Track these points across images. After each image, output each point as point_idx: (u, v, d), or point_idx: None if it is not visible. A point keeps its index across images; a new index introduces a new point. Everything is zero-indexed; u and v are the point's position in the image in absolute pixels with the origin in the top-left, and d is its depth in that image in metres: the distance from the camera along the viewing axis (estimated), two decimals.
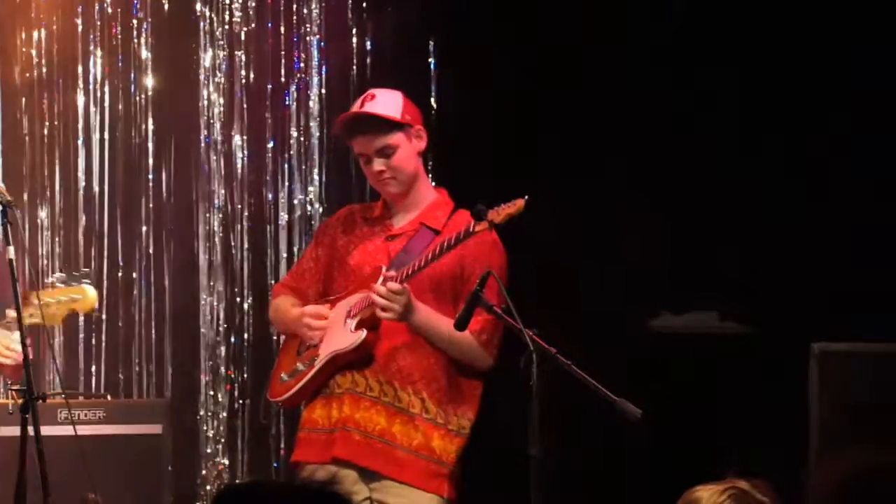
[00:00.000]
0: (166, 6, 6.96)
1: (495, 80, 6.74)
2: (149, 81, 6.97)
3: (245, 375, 6.95)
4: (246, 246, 7.02)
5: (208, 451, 6.92)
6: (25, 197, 6.80)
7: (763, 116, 6.65)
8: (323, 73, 7.04)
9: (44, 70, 6.87)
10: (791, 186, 6.58)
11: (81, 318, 6.80)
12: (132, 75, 6.96)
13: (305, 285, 5.15)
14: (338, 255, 5.09)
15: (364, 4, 7.01)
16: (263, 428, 6.82)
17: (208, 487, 6.80)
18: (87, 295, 4.79)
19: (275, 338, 6.83)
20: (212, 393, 6.94)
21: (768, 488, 3.24)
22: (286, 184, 7.02)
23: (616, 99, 6.65)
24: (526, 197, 4.67)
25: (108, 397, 6.44)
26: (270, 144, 7.03)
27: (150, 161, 6.97)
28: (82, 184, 6.89)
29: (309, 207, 7.01)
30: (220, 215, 6.99)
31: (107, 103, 6.94)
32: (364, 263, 5.01)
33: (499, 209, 4.69)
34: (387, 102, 5.01)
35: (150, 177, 6.97)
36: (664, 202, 6.70)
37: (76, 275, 4.83)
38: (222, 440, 6.92)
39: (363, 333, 4.88)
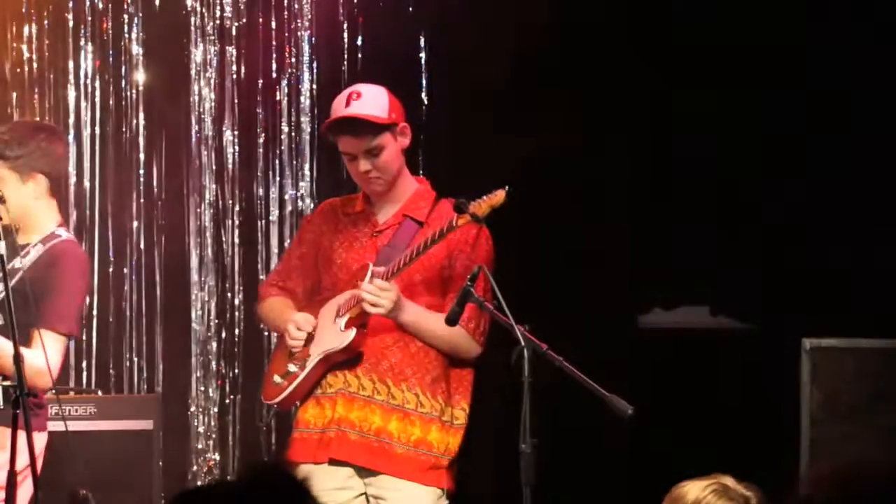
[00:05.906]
0: (157, 1, 6.96)
1: (487, 75, 6.73)
2: (140, 76, 6.96)
3: (236, 371, 6.95)
4: (237, 241, 7.01)
5: (199, 446, 6.91)
6: None
7: (761, 114, 6.65)
8: (314, 68, 7.03)
9: (35, 65, 6.87)
10: (783, 182, 6.59)
11: None
12: (123, 70, 6.95)
13: (293, 284, 5.12)
14: (323, 253, 5.07)
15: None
16: (255, 424, 6.81)
17: (199, 483, 6.79)
18: None
19: (266, 334, 6.83)
20: (203, 388, 6.94)
21: (752, 484, 3.25)
22: (277, 179, 7.02)
23: (615, 94, 6.64)
24: (507, 187, 4.65)
25: (99, 393, 6.43)
26: (261, 140, 7.03)
27: (141, 156, 6.97)
28: (73, 179, 6.88)
29: (300, 203, 7.01)
30: (212, 210, 6.99)
31: (97, 98, 6.94)
32: (351, 261, 4.99)
33: (480, 201, 4.67)
34: (373, 101, 4.97)
35: (141, 172, 6.97)
36: (657, 197, 6.70)
37: None
38: (213, 436, 6.92)
39: (353, 332, 4.87)
